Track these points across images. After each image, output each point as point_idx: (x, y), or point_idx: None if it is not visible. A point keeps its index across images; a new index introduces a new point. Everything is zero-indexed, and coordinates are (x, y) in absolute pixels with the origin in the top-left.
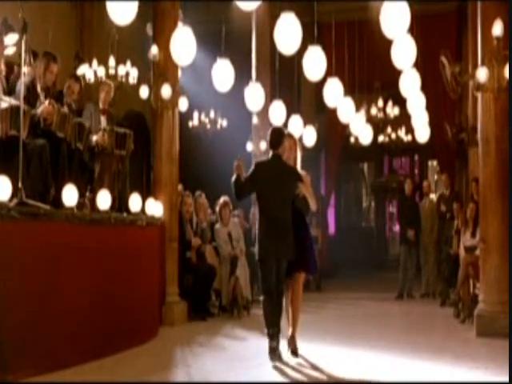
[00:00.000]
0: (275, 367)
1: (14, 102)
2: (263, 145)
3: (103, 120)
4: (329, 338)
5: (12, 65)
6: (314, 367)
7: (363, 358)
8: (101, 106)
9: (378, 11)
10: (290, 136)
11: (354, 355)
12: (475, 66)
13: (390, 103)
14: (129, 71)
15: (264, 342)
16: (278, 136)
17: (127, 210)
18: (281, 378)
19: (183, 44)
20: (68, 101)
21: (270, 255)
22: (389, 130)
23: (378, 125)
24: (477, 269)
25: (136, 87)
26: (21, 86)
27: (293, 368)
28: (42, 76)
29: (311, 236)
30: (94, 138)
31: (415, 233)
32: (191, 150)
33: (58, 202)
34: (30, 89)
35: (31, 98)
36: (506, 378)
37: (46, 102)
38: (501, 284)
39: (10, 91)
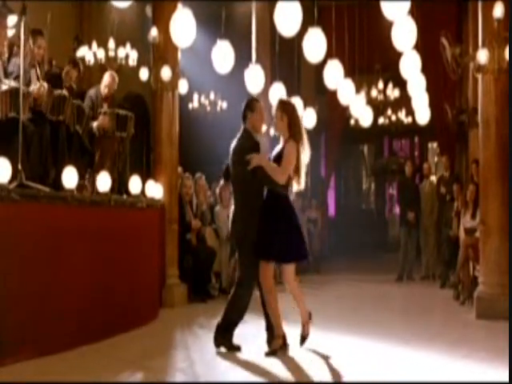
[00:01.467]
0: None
1: (12, 83)
2: (263, 127)
3: (105, 106)
4: (328, 323)
5: (12, 46)
6: (312, 356)
7: (362, 343)
8: (103, 94)
9: None
10: (283, 102)
11: (352, 341)
12: (475, 48)
13: (390, 85)
14: (128, 53)
15: (263, 324)
16: (244, 108)
17: (127, 192)
18: (279, 362)
19: (183, 26)
20: (66, 85)
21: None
22: (389, 111)
23: (378, 107)
24: (477, 251)
25: (136, 69)
26: (20, 68)
27: (290, 356)
28: (30, 52)
29: (288, 220)
30: (95, 124)
31: (415, 215)
32: (191, 132)
33: (57, 184)
34: (25, 69)
35: (26, 78)
36: (506, 366)
37: (38, 84)
38: (501, 266)
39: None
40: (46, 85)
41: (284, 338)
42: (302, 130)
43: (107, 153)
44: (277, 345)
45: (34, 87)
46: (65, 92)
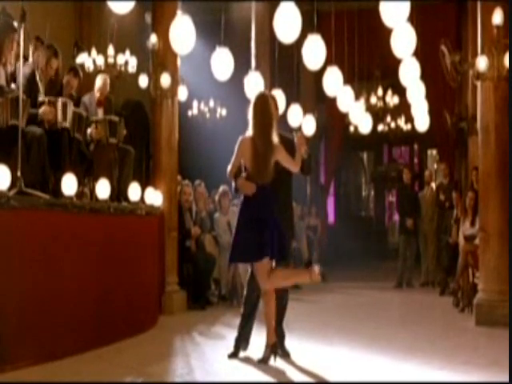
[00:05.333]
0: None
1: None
2: None
3: (100, 112)
4: (326, 330)
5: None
6: (311, 363)
7: (361, 349)
8: (96, 98)
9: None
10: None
11: (351, 346)
12: (475, 55)
13: (389, 92)
14: (128, 60)
15: (263, 332)
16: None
17: (126, 199)
18: (278, 368)
19: (182, 33)
20: (67, 94)
21: None
22: (388, 118)
23: (377, 114)
24: (476, 258)
25: (135, 76)
26: (20, 76)
27: (290, 362)
28: (44, 68)
29: (245, 218)
30: (89, 130)
31: (414, 222)
32: (191, 140)
33: (57, 191)
34: (30, 80)
35: (31, 88)
36: (506, 373)
37: (46, 100)
38: (500, 273)
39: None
40: (55, 102)
41: (275, 345)
42: None
43: (103, 161)
44: (268, 353)
45: (43, 108)
46: (67, 99)
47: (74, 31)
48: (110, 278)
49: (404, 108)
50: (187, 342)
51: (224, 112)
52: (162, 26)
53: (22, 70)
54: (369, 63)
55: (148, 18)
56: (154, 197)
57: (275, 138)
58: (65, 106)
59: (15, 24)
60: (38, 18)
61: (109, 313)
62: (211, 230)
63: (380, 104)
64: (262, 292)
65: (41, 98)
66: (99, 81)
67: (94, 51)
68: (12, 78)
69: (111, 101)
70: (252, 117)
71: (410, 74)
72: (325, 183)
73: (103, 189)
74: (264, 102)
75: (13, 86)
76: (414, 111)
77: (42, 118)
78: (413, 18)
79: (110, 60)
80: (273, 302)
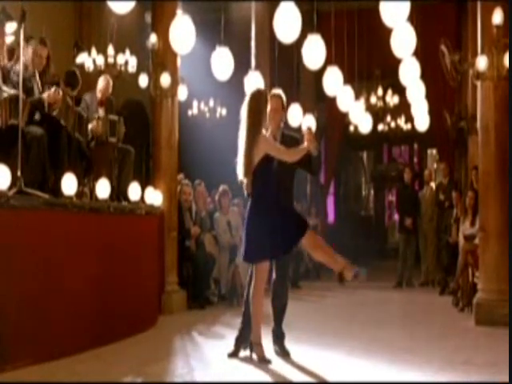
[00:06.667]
0: (275, 359)
1: (12, 91)
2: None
3: (101, 112)
4: (325, 330)
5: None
6: (308, 364)
7: (361, 348)
8: (97, 98)
9: None
10: (276, 96)
11: (351, 346)
12: (475, 55)
13: (389, 92)
14: (128, 60)
15: (263, 331)
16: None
17: (126, 199)
18: (278, 368)
19: (182, 32)
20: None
21: None
22: (388, 118)
23: (377, 113)
24: (476, 257)
25: (135, 76)
26: (19, 76)
27: (290, 362)
28: (31, 61)
29: (256, 216)
30: (90, 126)
31: (413, 221)
32: (190, 139)
33: (57, 190)
34: (25, 77)
35: (26, 85)
36: (506, 373)
37: (52, 89)
38: (500, 272)
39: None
40: (61, 91)
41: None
42: None
43: (103, 161)
44: (260, 352)
45: (48, 92)
46: (69, 99)
47: (74, 31)
48: (109, 278)
49: (404, 108)
50: (187, 342)
51: (224, 112)
52: (161, 25)
53: (15, 69)
54: (369, 63)
55: (148, 17)
56: (154, 196)
57: (263, 132)
58: (67, 106)
59: (8, 23)
60: (37, 18)
61: (108, 312)
62: (211, 229)
63: (380, 104)
64: (253, 288)
65: (36, 91)
66: (102, 82)
67: (93, 51)
68: (8, 75)
69: (112, 102)
70: (246, 112)
71: (409, 73)
72: (325, 182)
73: (103, 188)
74: (258, 100)
75: (9, 89)
76: (413, 111)
77: (46, 100)
78: (413, 18)
79: (110, 60)
80: (261, 299)
